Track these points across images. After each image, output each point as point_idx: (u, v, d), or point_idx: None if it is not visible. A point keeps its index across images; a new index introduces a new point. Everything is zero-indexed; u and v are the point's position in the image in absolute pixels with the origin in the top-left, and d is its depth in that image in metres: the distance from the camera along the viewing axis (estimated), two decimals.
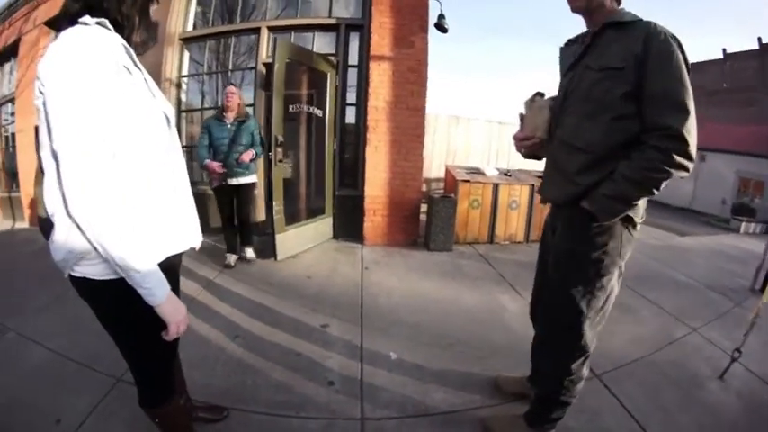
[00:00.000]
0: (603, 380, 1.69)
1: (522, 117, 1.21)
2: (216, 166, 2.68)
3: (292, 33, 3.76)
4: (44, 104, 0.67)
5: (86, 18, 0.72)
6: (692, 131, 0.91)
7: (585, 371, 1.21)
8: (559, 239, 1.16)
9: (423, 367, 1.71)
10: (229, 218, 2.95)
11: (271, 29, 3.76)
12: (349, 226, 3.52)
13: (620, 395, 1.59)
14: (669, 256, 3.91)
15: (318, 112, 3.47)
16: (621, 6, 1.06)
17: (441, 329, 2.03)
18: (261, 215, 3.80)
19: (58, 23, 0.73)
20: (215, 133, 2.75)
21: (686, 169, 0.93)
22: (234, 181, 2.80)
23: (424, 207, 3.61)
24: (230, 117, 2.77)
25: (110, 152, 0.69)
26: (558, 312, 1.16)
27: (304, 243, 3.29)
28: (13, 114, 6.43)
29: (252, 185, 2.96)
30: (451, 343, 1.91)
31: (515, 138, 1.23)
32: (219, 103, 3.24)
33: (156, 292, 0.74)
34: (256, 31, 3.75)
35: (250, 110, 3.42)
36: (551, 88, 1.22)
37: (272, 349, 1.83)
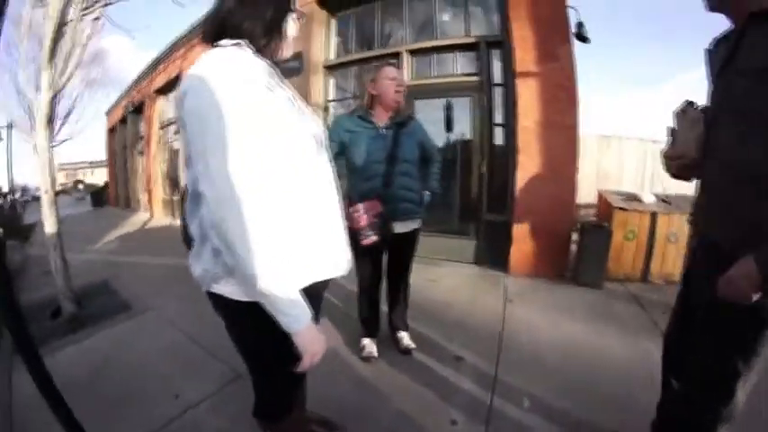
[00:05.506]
0: None
1: (672, 131, 1.06)
2: (367, 207, 1.52)
3: (434, 55, 3.80)
4: (183, 126, 0.67)
5: (223, 41, 0.71)
6: None
7: None
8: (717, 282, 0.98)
9: (557, 422, 1.49)
10: (372, 287, 1.83)
11: (411, 52, 3.87)
12: (494, 253, 3.35)
13: None
14: None
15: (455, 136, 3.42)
16: None
17: (583, 380, 1.79)
18: None
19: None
20: (360, 145, 1.60)
21: None
22: (401, 227, 1.68)
23: (573, 236, 3.28)
24: (384, 118, 1.65)
25: (253, 172, 0.65)
26: (708, 370, 0.97)
27: (437, 252, 3.21)
28: (176, 133, 7.94)
29: (419, 232, 1.84)
30: (593, 398, 1.65)
31: (664, 155, 1.09)
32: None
33: (300, 319, 0.68)
34: (397, 55, 3.90)
35: None
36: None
37: (400, 374, 1.77)
